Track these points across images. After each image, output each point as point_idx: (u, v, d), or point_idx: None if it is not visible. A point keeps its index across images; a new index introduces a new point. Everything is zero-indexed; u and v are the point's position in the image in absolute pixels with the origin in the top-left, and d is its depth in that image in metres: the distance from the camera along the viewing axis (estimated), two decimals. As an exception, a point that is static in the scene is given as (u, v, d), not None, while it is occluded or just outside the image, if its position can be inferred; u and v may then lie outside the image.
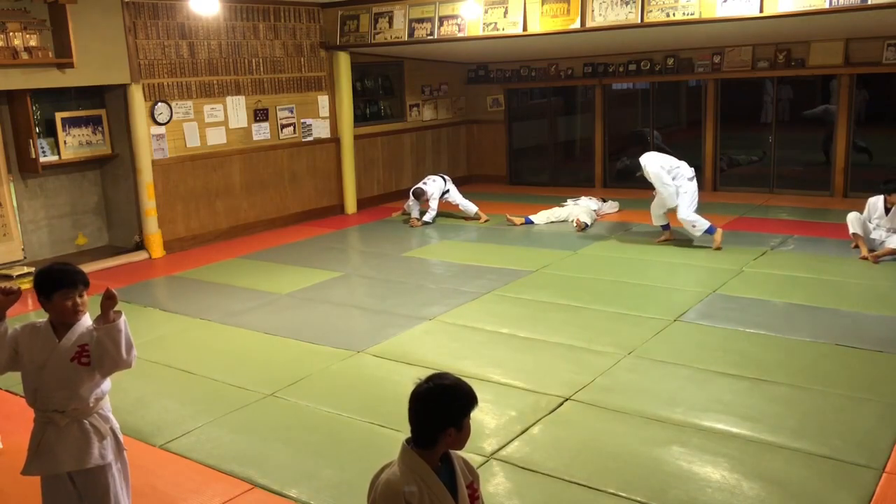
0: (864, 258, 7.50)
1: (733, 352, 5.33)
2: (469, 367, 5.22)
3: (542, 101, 13.59)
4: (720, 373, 5.00)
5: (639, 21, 8.16)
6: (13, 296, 2.87)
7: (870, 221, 7.77)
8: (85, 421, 2.98)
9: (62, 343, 2.91)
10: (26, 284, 7.57)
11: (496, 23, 9.05)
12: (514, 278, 7.36)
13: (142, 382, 5.23)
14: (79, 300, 2.93)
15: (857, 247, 7.70)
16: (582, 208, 9.92)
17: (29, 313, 6.66)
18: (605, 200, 10.45)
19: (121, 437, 3.15)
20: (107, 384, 3.07)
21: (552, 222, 9.88)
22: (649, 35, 9.23)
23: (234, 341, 6.06)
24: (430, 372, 2.39)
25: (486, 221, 10.20)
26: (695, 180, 8.37)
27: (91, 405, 2.99)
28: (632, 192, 11.54)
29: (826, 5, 7.19)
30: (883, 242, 7.58)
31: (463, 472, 2.34)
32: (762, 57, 10.74)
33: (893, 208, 7.63)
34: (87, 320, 2.99)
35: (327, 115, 10.91)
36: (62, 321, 2.94)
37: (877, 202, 7.76)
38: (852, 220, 7.75)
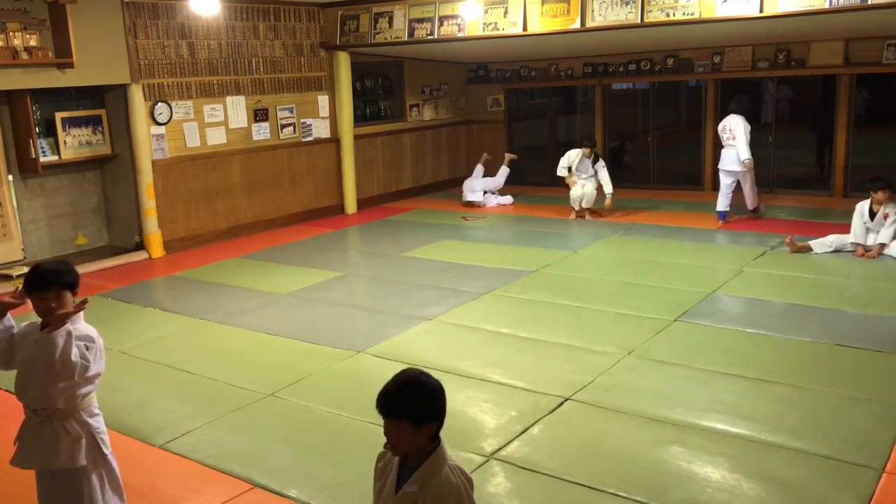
0: (861, 254, 7.64)
1: (733, 352, 5.33)
2: (469, 367, 5.22)
3: (542, 101, 13.59)
4: (720, 373, 5.00)
5: (639, 21, 8.16)
6: (18, 301, 2.94)
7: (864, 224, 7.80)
8: (57, 422, 2.96)
9: (32, 344, 2.91)
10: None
11: (496, 23, 9.05)
12: (514, 278, 7.36)
13: (142, 382, 5.24)
14: (54, 304, 2.91)
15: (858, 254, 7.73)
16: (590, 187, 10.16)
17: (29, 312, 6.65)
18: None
19: (104, 443, 3.09)
20: (86, 388, 3.00)
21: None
22: (649, 35, 9.23)
23: (234, 341, 6.06)
24: (430, 372, 2.38)
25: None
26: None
27: (61, 406, 2.95)
28: (633, 193, 11.54)
29: (826, 5, 7.19)
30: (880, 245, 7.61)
31: (419, 487, 2.22)
32: (762, 57, 10.74)
33: (879, 211, 7.64)
34: (76, 322, 2.97)
35: (327, 115, 10.91)
36: (40, 316, 2.98)
37: (863, 207, 7.76)
38: (831, 242, 7.84)
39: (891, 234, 7.56)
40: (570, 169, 10.23)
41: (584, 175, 10.25)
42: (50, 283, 2.94)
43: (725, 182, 9.43)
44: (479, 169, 11.70)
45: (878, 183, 7.66)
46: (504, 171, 11.57)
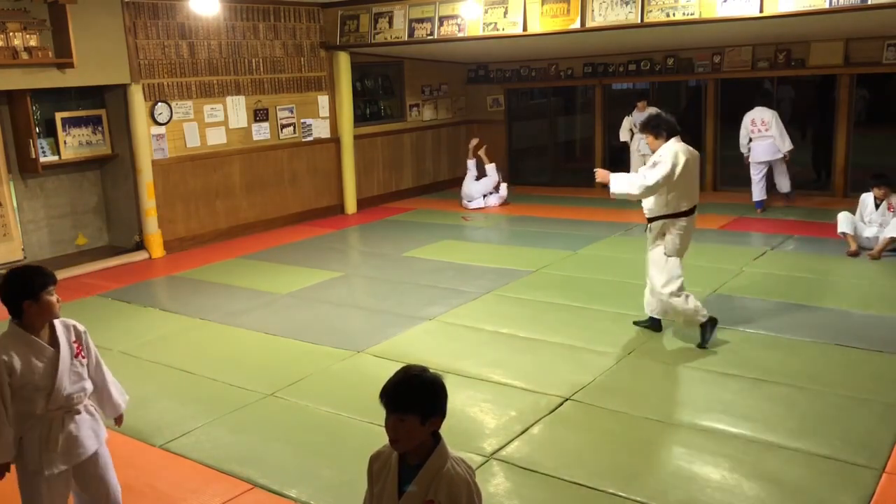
0: (853, 254, 7.62)
1: (733, 352, 5.33)
2: (469, 367, 5.22)
3: (542, 101, 13.60)
4: (720, 373, 5.00)
5: (639, 21, 8.15)
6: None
7: (862, 220, 7.84)
8: (88, 406, 3.12)
9: (62, 346, 2.98)
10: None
11: (496, 23, 9.05)
12: (514, 278, 7.35)
13: (142, 382, 5.23)
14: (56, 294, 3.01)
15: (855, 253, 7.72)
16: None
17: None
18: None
19: None
20: None
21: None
22: (649, 35, 9.23)
23: (234, 341, 6.06)
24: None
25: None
26: None
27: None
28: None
29: (826, 5, 7.19)
30: (878, 238, 7.62)
31: (426, 485, 2.23)
32: (762, 57, 10.74)
33: (883, 203, 7.78)
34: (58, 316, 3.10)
35: (327, 115, 10.91)
36: (45, 320, 2.97)
37: (867, 199, 7.93)
38: (841, 220, 7.84)
39: None
40: (631, 132, 10.69)
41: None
42: (54, 276, 3.02)
43: (757, 173, 9.90)
44: (472, 168, 11.42)
45: (878, 180, 7.82)
46: (492, 167, 11.40)
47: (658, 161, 5.31)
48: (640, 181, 5.26)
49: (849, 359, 5.17)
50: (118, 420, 3.31)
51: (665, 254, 5.49)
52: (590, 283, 7.18)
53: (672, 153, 5.30)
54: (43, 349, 2.95)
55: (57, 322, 3.01)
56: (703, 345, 5.43)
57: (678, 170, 5.24)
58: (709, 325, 5.46)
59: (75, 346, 3.03)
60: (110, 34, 8.31)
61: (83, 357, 3.06)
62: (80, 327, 3.10)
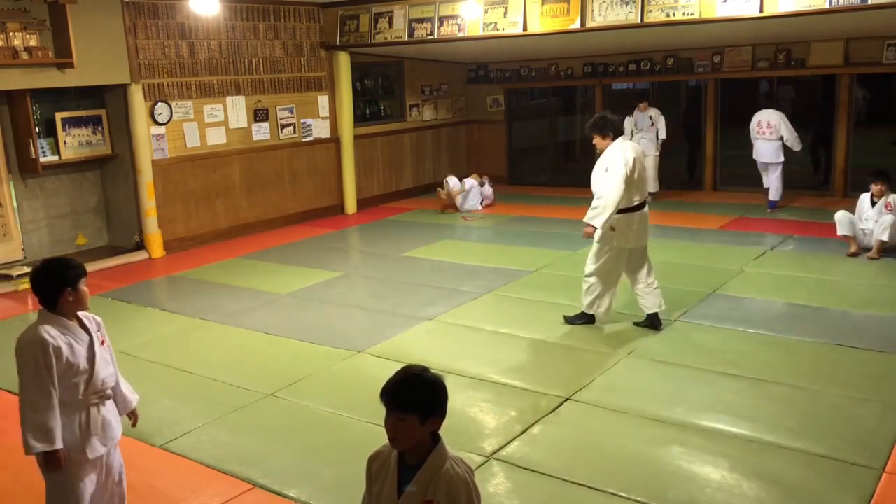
0: (854, 254, 7.64)
1: (733, 352, 5.33)
2: (469, 367, 5.22)
3: (542, 101, 13.60)
4: (720, 373, 5.00)
5: (639, 21, 8.16)
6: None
7: (861, 220, 7.84)
8: (110, 394, 3.20)
9: (93, 333, 3.09)
10: (25, 284, 7.58)
11: (496, 23, 9.05)
12: (514, 278, 7.35)
13: (142, 382, 5.19)
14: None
15: (855, 254, 7.72)
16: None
17: (28, 313, 6.65)
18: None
19: None
20: None
21: None
22: (649, 35, 9.23)
23: (234, 341, 6.06)
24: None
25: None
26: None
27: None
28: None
29: (826, 5, 7.19)
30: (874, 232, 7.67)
31: (425, 485, 2.24)
32: (762, 57, 10.74)
33: (880, 201, 7.77)
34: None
35: (327, 115, 10.91)
36: (78, 309, 3.07)
37: (864, 200, 7.93)
38: (840, 220, 7.81)
39: (889, 222, 7.56)
40: (632, 133, 10.63)
41: (644, 132, 10.60)
42: (84, 268, 3.14)
43: (760, 170, 10.02)
44: (458, 186, 11.10)
45: (877, 176, 7.84)
46: (469, 184, 11.04)
47: (609, 165, 5.55)
48: (608, 199, 5.50)
49: (849, 359, 5.17)
50: (132, 416, 3.32)
51: (622, 247, 5.73)
52: (590, 283, 7.18)
53: (620, 154, 5.55)
54: (81, 334, 3.04)
55: (79, 312, 3.09)
56: (569, 321, 5.97)
57: (630, 168, 5.50)
58: (583, 318, 5.93)
59: (98, 334, 3.12)
60: (110, 34, 8.31)
61: (105, 345, 3.16)
62: (98, 318, 3.19)
